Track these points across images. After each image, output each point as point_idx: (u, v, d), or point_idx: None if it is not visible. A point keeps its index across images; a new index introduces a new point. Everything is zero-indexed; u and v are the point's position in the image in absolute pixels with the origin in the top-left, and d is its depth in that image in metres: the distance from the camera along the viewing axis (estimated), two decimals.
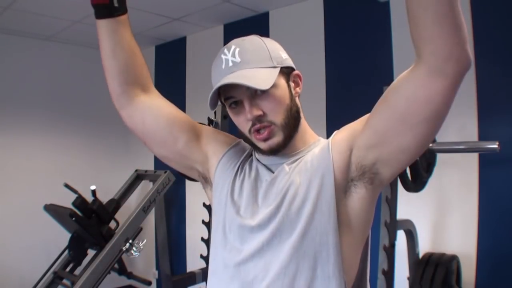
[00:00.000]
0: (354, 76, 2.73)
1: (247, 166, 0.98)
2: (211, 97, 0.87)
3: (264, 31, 3.12)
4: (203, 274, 2.80)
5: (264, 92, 0.85)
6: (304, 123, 0.95)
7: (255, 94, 0.86)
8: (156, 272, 4.04)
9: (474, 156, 2.21)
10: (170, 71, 4.02)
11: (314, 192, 0.85)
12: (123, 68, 0.93)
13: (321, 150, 0.90)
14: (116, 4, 0.89)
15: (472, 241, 2.20)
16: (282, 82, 0.89)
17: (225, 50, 0.89)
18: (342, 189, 0.86)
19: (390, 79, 2.79)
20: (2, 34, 3.52)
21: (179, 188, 3.73)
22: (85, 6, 3.77)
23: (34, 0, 2.86)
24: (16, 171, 3.58)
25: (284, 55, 0.92)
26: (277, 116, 0.87)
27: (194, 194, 3.70)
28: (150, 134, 0.99)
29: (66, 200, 2.78)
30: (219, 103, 0.93)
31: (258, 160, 0.97)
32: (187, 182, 3.66)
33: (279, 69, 0.88)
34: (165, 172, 3.32)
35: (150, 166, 4.01)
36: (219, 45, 3.53)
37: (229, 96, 0.89)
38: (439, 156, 1.95)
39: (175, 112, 1.00)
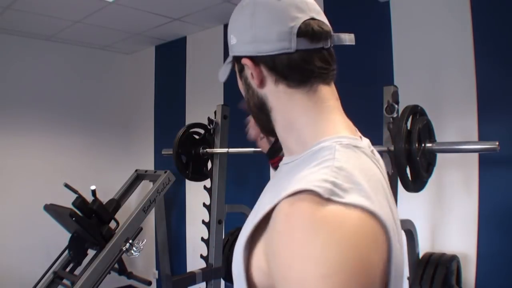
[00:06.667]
0: (354, 76, 2.72)
1: None
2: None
3: None
4: (203, 274, 2.79)
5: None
6: (293, 119, 0.71)
7: None
8: (156, 272, 4.04)
9: (474, 156, 2.21)
10: (170, 71, 4.01)
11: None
12: None
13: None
14: None
15: (472, 241, 2.20)
16: (238, 73, 0.76)
17: None
18: None
19: (390, 79, 2.78)
20: (2, 34, 3.52)
21: (179, 188, 3.73)
22: (85, 6, 3.73)
23: (34, 0, 2.86)
24: (16, 171, 3.58)
25: (233, 38, 0.71)
26: (249, 109, 0.77)
27: (194, 194, 3.70)
28: None
29: (66, 200, 2.78)
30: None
31: None
32: (187, 182, 3.66)
33: (231, 58, 0.74)
34: (165, 172, 3.31)
35: (150, 166, 4.01)
36: (219, 45, 3.56)
37: None
38: (439, 156, 1.94)
39: None
